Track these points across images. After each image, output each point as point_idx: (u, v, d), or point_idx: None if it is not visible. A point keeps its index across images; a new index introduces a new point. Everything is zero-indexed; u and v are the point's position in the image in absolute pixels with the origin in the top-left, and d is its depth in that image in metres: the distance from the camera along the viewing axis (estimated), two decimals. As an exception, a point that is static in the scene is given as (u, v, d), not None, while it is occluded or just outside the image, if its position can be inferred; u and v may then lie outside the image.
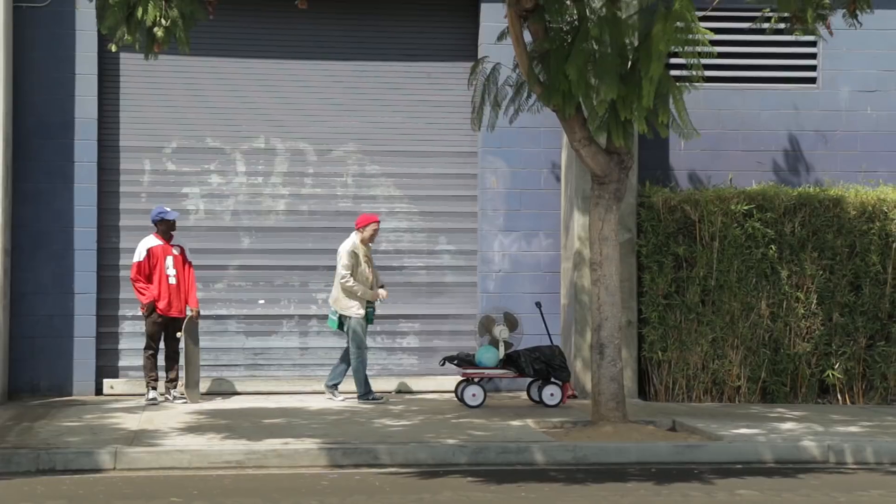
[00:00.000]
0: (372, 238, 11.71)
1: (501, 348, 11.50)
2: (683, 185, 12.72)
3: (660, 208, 11.99)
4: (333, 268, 12.69)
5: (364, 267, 11.62)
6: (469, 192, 12.85)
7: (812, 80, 13.11)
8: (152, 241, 11.38)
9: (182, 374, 11.52)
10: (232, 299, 12.60)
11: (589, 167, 10.14)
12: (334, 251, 12.68)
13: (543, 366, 11.39)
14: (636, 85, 9.46)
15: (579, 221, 12.06)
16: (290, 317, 12.69)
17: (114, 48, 9.37)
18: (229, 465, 8.85)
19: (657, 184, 12.50)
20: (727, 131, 12.90)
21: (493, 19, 12.15)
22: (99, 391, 12.16)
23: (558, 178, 12.68)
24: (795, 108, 13.02)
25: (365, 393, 11.64)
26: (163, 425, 10.05)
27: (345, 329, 11.66)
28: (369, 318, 11.71)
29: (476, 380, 11.43)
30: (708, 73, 10.59)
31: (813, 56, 13.07)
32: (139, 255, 11.31)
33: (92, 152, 12.17)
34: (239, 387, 12.36)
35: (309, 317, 12.69)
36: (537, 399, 11.50)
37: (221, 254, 12.57)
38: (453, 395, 11.72)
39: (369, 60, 12.82)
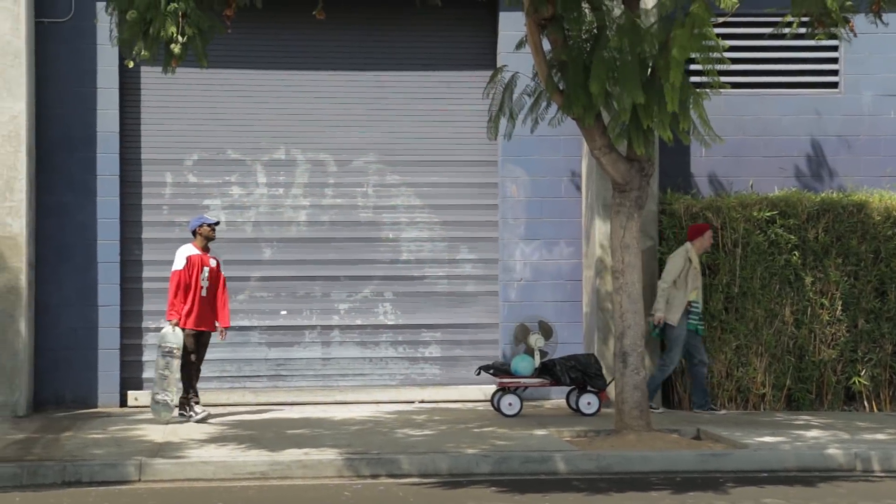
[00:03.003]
0: (706, 246, 11.62)
1: (537, 357, 11.47)
2: (705, 192, 12.68)
3: (682, 215, 11.95)
4: (354, 278, 12.74)
5: (691, 276, 11.55)
6: (490, 201, 12.85)
7: (834, 85, 13.05)
8: (191, 249, 11.12)
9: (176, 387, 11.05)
10: (254, 310, 12.63)
11: (609, 175, 10.13)
12: (355, 261, 12.73)
13: (579, 374, 11.34)
14: (657, 92, 9.45)
15: (600, 229, 12.03)
16: (313, 327, 12.70)
17: (130, 64, 9.40)
18: (253, 475, 8.86)
19: (678, 191, 12.46)
20: (749, 137, 12.85)
21: (511, 28, 12.16)
22: (123, 403, 12.21)
23: (579, 187, 12.66)
24: (817, 113, 12.96)
25: (703, 403, 11.60)
26: (187, 437, 10.08)
27: (667, 335, 11.55)
28: (698, 330, 11.58)
29: (512, 389, 11.40)
30: (729, 79, 10.57)
31: (835, 61, 13.01)
32: (178, 263, 11.02)
33: (114, 165, 12.24)
34: (262, 398, 12.39)
35: (331, 327, 12.70)
36: (575, 408, 11.45)
37: (243, 265, 12.60)
38: (475, 404, 11.70)
39: (388, 70, 12.84)
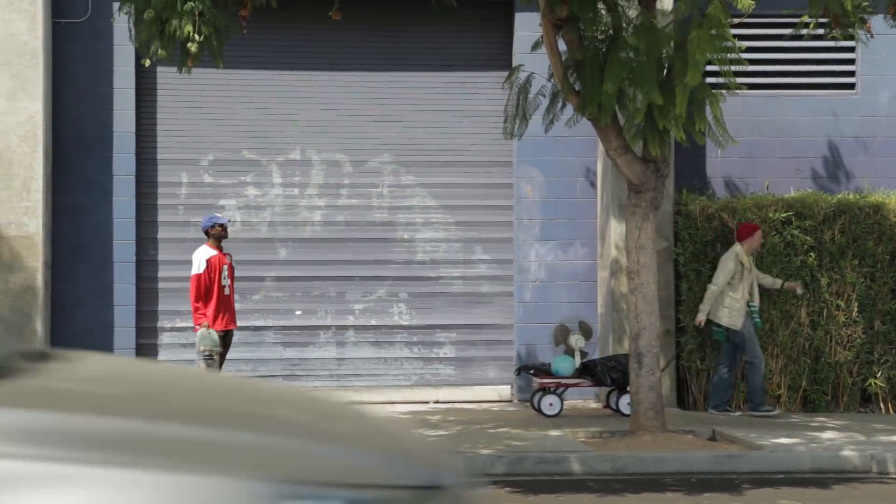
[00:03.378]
0: (756, 246, 11.51)
1: (577, 357, 11.43)
2: (720, 193, 12.64)
3: (697, 216, 11.92)
4: (369, 278, 12.74)
5: (745, 277, 11.46)
6: (505, 202, 12.84)
7: (851, 86, 13.00)
8: (208, 251, 10.95)
9: None
10: (269, 310, 12.65)
11: (625, 176, 10.11)
12: (370, 262, 12.73)
13: (620, 374, 11.27)
14: (672, 93, 9.42)
15: (616, 230, 12.02)
16: (328, 327, 12.72)
17: (147, 63, 9.43)
18: (267, 475, 8.85)
19: (694, 192, 12.43)
20: (765, 138, 12.82)
21: (527, 29, 12.15)
22: (138, 402, 12.21)
23: (594, 187, 12.64)
24: (834, 115, 12.91)
25: (759, 404, 11.41)
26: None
27: (733, 341, 11.42)
28: (756, 324, 11.53)
29: (553, 389, 11.38)
30: (745, 80, 10.52)
31: (852, 62, 12.96)
32: (198, 266, 10.85)
33: (130, 165, 12.27)
34: (277, 398, 12.38)
35: (346, 327, 12.71)
36: (615, 408, 11.41)
37: (258, 265, 12.62)
38: (490, 404, 11.66)
39: (404, 71, 12.85)
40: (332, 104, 12.82)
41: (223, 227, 11.09)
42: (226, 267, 11.04)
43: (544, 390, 11.35)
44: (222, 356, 11.11)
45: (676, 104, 9.09)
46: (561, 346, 11.60)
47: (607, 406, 11.69)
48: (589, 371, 11.38)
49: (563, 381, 11.38)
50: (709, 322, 11.52)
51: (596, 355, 11.64)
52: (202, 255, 10.98)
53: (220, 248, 11.10)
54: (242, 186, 12.71)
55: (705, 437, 10.29)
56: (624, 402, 11.24)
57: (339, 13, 9.89)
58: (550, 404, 11.26)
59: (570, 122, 10.62)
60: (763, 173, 12.73)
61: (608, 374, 11.29)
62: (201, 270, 10.87)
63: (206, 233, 11.10)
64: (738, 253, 11.44)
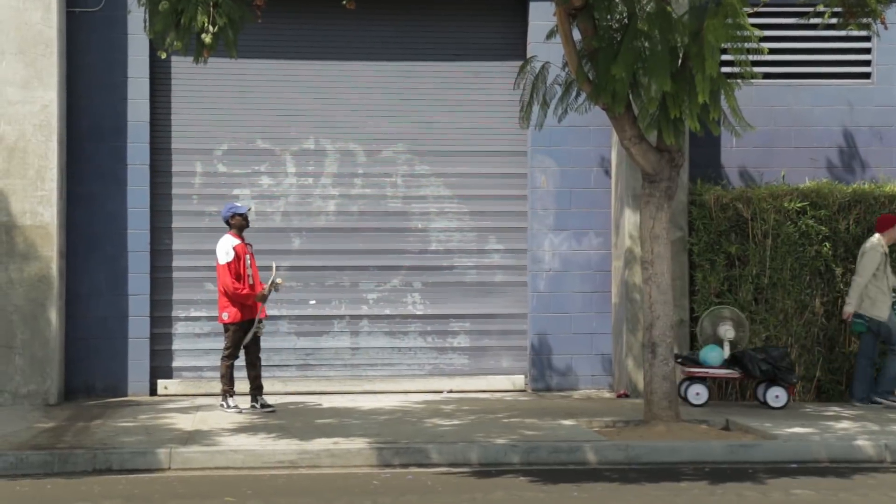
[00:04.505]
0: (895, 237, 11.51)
1: (727, 348, 11.35)
2: (735, 183, 12.62)
3: (711, 206, 11.90)
4: (383, 267, 12.75)
5: (887, 267, 11.44)
6: (519, 192, 12.83)
7: (867, 76, 12.95)
8: (233, 239, 10.94)
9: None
10: (283, 300, 12.66)
11: (639, 165, 10.09)
12: (384, 251, 12.74)
13: (770, 367, 11.16)
14: (687, 82, 9.41)
15: (630, 220, 12.00)
16: (341, 317, 12.73)
17: (163, 55, 9.42)
18: (282, 464, 8.90)
19: (709, 181, 12.41)
20: (780, 128, 12.78)
21: (541, 18, 12.13)
22: (153, 392, 12.28)
23: (608, 177, 12.62)
24: (849, 104, 12.86)
25: (864, 398, 11.38)
26: (216, 425, 10.13)
27: (876, 331, 11.34)
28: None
29: (700, 378, 11.25)
30: (760, 70, 10.48)
31: (867, 51, 12.91)
32: (227, 255, 10.84)
33: (144, 155, 12.29)
34: (290, 387, 12.43)
35: (360, 317, 12.72)
36: (762, 400, 11.31)
37: (272, 255, 12.61)
38: (503, 394, 11.62)
39: (418, 60, 12.84)
40: (346, 94, 12.81)
41: (243, 216, 11.07)
42: (248, 256, 11.05)
43: (691, 379, 11.25)
44: (255, 345, 11.09)
45: (698, 92, 9.06)
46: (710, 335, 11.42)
47: (755, 398, 11.56)
48: (738, 362, 11.29)
49: (712, 371, 11.28)
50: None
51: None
52: (229, 243, 10.94)
53: (241, 237, 11.08)
54: (256, 176, 12.73)
55: (719, 427, 10.29)
56: (772, 395, 11.15)
57: (353, 2, 9.89)
58: (697, 394, 11.18)
59: (581, 109, 10.60)
60: (778, 163, 12.70)
61: (757, 365, 11.19)
62: (230, 259, 10.84)
63: (227, 222, 11.07)
64: (882, 244, 11.39)
